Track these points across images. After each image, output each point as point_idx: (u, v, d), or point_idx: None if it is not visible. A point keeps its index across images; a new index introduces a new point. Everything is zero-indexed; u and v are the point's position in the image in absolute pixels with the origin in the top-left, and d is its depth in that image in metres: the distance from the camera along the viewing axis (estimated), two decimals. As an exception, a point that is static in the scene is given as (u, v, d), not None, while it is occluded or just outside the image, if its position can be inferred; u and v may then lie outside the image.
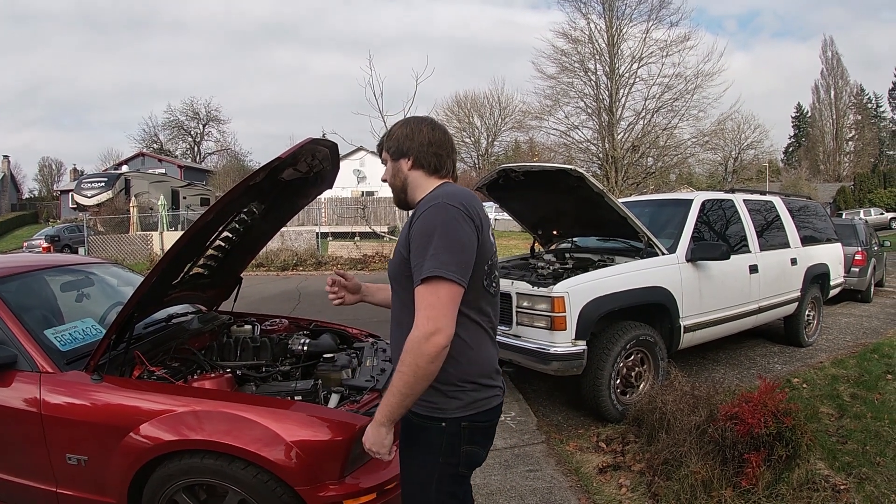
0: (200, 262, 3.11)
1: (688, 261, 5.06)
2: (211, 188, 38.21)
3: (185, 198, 31.72)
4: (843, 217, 23.87)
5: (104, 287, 3.74)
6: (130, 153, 49.34)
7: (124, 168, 38.83)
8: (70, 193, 32.56)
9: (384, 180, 1.95)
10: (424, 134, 1.86)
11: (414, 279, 1.65)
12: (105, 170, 40.88)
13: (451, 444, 1.74)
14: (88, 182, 28.08)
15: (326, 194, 28.80)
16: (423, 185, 1.84)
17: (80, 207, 27.21)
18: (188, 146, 58.81)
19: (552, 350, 4.20)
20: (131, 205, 24.16)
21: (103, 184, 27.30)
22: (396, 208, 24.75)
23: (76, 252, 21.20)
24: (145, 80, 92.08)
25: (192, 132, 58.38)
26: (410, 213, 1.81)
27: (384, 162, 1.94)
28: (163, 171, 40.07)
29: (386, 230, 22.19)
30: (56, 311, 3.15)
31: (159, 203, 22.86)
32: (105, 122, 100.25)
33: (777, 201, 6.96)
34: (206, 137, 59.10)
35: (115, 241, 21.24)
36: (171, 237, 20.45)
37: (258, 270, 17.10)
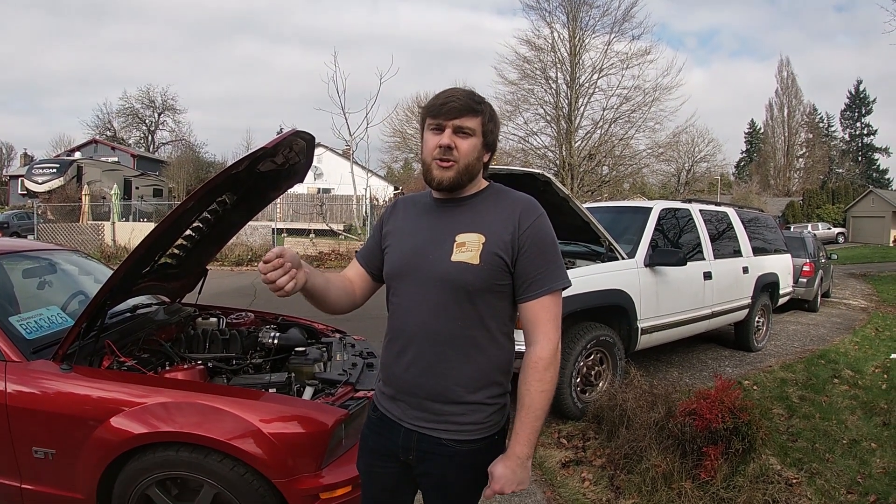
0: (169, 251, 3.05)
1: (646, 266, 5.21)
2: (164, 179, 37.28)
3: (137, 188, 30.80)
4: (792, 230, 24.78)
5: (66, 275, 3.64)
6: (83, 139, 47.65)
7: (77, 155, 37.46)
8: (20, 179, 31.37)
9: (450, 147, 1.54)
10: None
11: (531, 288, 1.55)
12: (57, 156, 39.41)
13: (500, 452, 1.63)
14: (40, 168, 26.91)
15: (284, 189, 28.49)
16: (479, 181, 1.67)
17: (31, 194, 26.07)
18: (142, 135, 57.00)
19: (515, 349, 4.21)
20: (83, 193, 23.37)
21: (55, 170, 26.22)
22: (354, 206, 24.88)
23: (25, 239, 20.40)
24: (101, 66, 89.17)
25: (147, 121, 56.63)
26: (508, 216, 1.58)
27: (463, 130, 1.55)
28: (115, 159, 38.86)
29: (342, 228, 22.03)
30: (18, 298, 3.04)
31: (112, 192, 22.20)
32: (58, 107, 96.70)
33: (731, 212, 7.19)
34: (161, 127, 57.36)
35: (66, 230, 20.49)
36: (123, 228, 19.90)
37: (212, 265, 16.73)
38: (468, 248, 1.54)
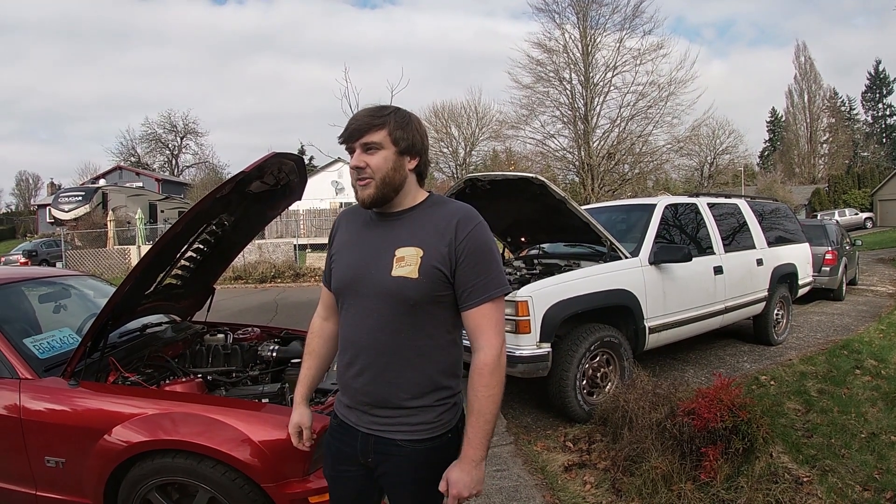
0: (173, 272, 3.20)
1: (651, 263, 5.19)
2: (189, 201, 38.04)
3: (162, 211, 31.57)
4: (819, 218, 24.29)
5: (81, 298, 3.84)
6: (108, 167, 49.06)
7: (101, 182, 38.57)
8: (47, 208, 32.31)
9: (361, 167, 1.62)
10: (427, 140, 1.74)
11: (470, 297, 1.60)
12: (82, 183, 40.55)
13: (456, 450, 1.68)
14: (66, 196, 27.84)
15: (304, 206, 28.38)
16: (413, 192, 1.70)
17: (58, 222, 26.95)
18: (166, 159, 58.56)
19: (517, 353, 4.29)
20: (108, 219, 24.02)
21: (80, 198, 27.10)
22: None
23: (54, 266, 21.06)
24: (124, 92, 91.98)
25: (170, 145, 58.13)
26: (445, 227, 1.62)
27: (370, 147, 1.61)
28: (140, 184, 39.88)
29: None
30: (34, 321, 3.25)
31: (137, 217, 22.76)
32: (82, 135, 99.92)
33: (742, 204, 7.11)
34: (183, 150, 58.93)
35: (93, 256, 21.14)
36: (148, 251, 20.38)
37: (236, 283, 17.05)
38: (407, 262, 1.59)
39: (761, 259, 6.83)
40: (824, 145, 58.18)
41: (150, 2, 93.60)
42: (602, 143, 27.17)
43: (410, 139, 1.65)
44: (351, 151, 1.65)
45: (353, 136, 1.62)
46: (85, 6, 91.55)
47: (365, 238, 1.71)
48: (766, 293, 6.91)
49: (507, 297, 4.33)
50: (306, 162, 3.07)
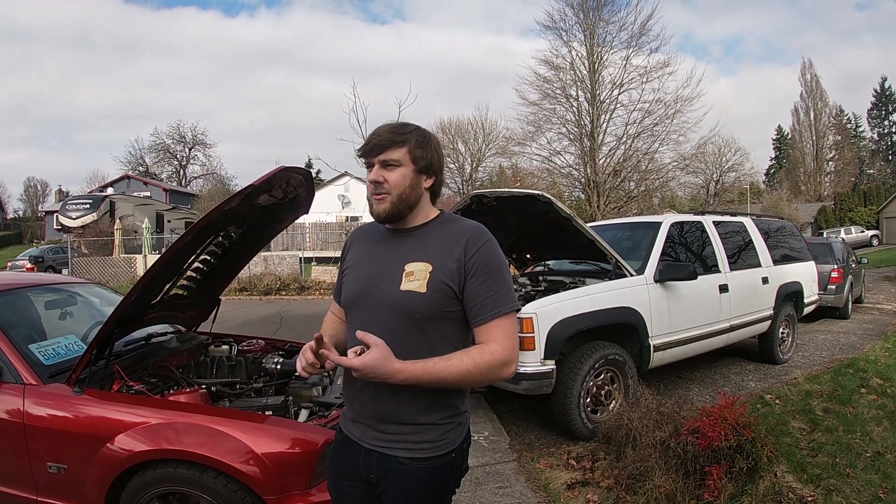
0: (179, 283, 3.22)
1: (656, 281, 5.18)
2: (196, 212, 38.19)
3: (169, 221, 31.69)
4: (825, 236, 24.21)
5: (87, 306, 3.86)
6: (116, 175, 49.45)
7: (109, 190, 38.70)
8: (55, 214, 32.46)
9: (379, 182, 1.65)
10: (444, 160, 1.77)
11: (480, 313, 1.59)
12: (90, 191, 40.79)
13: (459, 469, 1.72)
14: (73, 203, 27.97)
15: (311, 219, 28.47)
16: (426, 209, 1.72)
17: (65, 229, 27.06)
18: (174, 169, 58.88)
19: (521, 369, 4.27)
20: (115, 227, 24.15)
21: (88, 206, 27.21)
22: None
23: (60, 273, 21.18)
24: (133, 101, 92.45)
25: (178, 156, 58.49)
26: (455, 243, 1.63)
27: (389, 163, 1.65)
28: (148, 194, 40.10)
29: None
30: (40, 327, 3.27)
31: (143, 226, 22.87)
32: (91, 143, 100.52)
33: (748, 222, 7.11)
34: (192, 161, 59.27)
35: (99, 264, 21.26)
36: (154, 260, 20.46)
37: (241, 295, 17.08)
38: (416, 277, 1.60)
39: (767, 277, 6.82)
40: (830, 163, 57.89)
41: (161, 13, 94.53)
42: (608, 160, 27.13)
43: (429, 159, 1.69)
44: (369, 165, 1.67)
45: (374, 150, 1.65)
46: (97, 16, 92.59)
47: (376, 253, 1.73)
48: (772, 311, 6.88)
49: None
50: (313, 175, 3.09)
